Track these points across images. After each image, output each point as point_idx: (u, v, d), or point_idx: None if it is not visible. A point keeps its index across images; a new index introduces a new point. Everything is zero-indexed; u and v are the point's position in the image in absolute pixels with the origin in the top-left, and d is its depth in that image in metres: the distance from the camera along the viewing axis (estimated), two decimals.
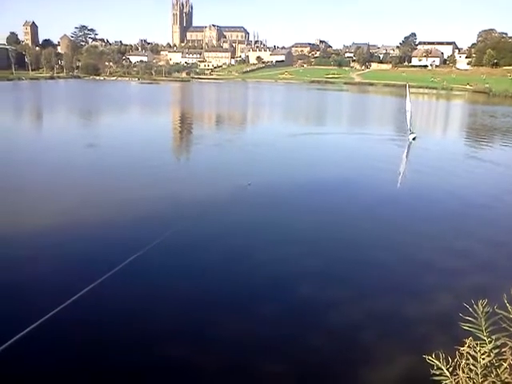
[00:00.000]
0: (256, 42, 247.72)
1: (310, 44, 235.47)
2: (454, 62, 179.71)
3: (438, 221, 14.59)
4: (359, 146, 30.93)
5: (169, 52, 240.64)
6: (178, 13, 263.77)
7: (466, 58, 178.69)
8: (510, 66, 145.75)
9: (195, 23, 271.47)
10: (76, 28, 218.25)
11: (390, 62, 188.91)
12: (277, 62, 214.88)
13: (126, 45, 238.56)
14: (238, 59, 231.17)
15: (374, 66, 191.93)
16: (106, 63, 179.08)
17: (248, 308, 9.15)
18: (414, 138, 31.12)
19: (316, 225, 13.95)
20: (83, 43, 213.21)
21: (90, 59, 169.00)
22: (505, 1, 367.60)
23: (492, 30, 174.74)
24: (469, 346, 3.14)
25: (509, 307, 3.09)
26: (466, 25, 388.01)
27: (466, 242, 12.79)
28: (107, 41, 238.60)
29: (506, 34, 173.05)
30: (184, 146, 31.88)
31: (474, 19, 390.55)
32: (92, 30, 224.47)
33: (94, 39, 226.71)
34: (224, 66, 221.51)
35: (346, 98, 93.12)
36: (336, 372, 7.21)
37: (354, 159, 25.81)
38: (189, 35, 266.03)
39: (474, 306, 3.14)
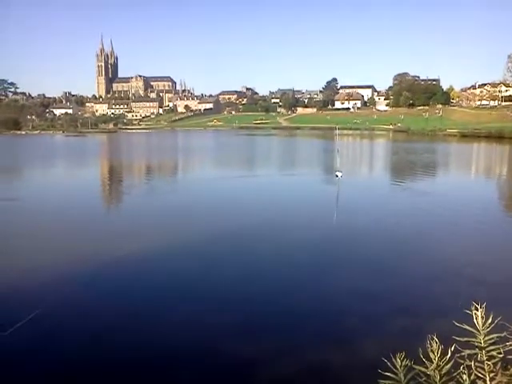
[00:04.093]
0: (183, 90, 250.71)
1: (236, 91, 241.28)
2: (374, 103, 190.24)
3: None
4: (291, 186, 31.05)
5: (94, 103, 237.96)
6: (103, 64, 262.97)
7: (385, 99, 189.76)
8: (424, 105, 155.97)
9: (121, 74, 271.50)
10: None
11: (315, 107, 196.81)
12: (205, 109, 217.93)
13: (50, 97, 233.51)
14: (166, 108, 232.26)
15: (300, 110, 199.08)
16: (28, 117, 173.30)
17: None
18: (341, 176, 31.53)
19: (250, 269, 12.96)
20: (3, 97, 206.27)
21: (9, 113, 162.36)
22: (416, 46, 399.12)
23: (405, 73, 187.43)
24: None
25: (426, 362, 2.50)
26: (383, 69, 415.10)
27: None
28: (29, 94, 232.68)
29: (418, 77, 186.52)
30: (111, 199, 30.14)
31: (390, 63, 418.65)
32: (12, 83, 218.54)
33: (15, 93, 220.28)
34: (152, 116, 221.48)
35: (275, 141, 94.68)
36: None
37: (286, 198, 25.43)
38: (115, 86, 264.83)
39: (393, 360, 2.54)
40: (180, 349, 8.51)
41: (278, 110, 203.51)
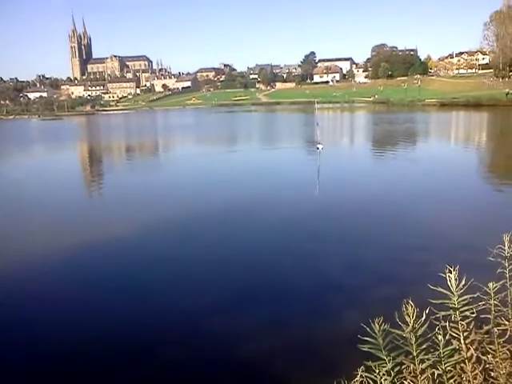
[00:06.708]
0: (160, 69, 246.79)
1: (214, 68, 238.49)
2: (353, 76, 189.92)
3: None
4: (272, 160, 31.18)
5: (70, 86, 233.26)
6: (77, 45, 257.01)
7: (364, 71, 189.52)
8: (403, 76, 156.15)
9: (95, 55, 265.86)
10: None
11: (294, 81, 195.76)
12: (183, 88, 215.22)
13: (23, 81, 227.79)
14: (144, 88, 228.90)
15: (279, 85, 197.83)
16: (2, 102, 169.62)
17: None
18: (322, 148, 31.70)
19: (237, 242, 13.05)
20: None
21: None
22: (392, 16, 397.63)
23: (383, 44, 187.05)
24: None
25: (403, 326, 2.50)
26: (361, 41, 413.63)
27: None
28: (1, 78, 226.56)
29: (396, 47, 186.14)
30: (94, 177, 29.88)
31: (367, 35, 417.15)
32: None
33: None
34: (130, 97, 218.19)
35: (255, 117, 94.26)
36: None
37: (267, 173, 25.47)
38: (90, 67, 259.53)
39: (372, 324, 2.52)
40: (169, 325, 8.59)
41: (257, 85, 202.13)
